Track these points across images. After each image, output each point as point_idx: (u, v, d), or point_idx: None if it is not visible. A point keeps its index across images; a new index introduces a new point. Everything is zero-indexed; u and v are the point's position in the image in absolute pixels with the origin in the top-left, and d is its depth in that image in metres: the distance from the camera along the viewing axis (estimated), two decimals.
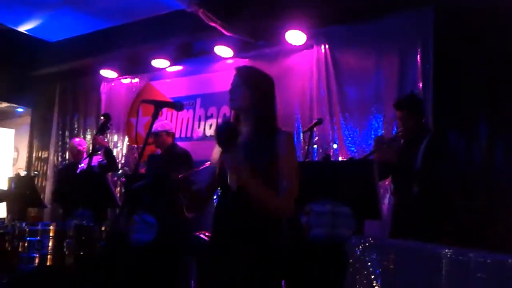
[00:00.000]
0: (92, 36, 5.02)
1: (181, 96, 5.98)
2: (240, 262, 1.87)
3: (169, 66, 6.06)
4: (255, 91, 2.01)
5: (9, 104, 7.18)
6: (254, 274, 1.86)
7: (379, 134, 4.29)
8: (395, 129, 4.15)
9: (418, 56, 4.22)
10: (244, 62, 5.50)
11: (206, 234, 3.25)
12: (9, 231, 2.54)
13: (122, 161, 6.25)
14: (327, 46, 4.84)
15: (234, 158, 1.82)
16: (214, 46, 5.40)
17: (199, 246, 2.84)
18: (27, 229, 2.56)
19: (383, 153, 3.35)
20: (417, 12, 4.25)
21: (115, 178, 5.71)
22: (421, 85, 4.16)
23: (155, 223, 3.33)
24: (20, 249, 2.53)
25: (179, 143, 5.40)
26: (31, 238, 2.57)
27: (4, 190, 4.17)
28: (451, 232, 3.35)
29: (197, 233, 3.19)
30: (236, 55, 5.51)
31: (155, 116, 2.39)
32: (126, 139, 6.47)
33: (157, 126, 4.92)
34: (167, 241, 3.40)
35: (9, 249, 2.52)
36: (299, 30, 4.80)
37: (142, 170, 5.06)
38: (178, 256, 3.44)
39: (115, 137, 6.48)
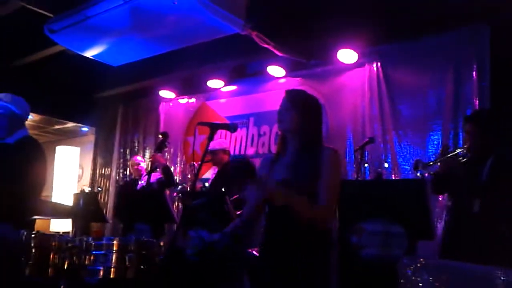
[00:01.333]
0: (152, 60, 5.28)
1: (235, 115, 6.16)
2: (291, 275, 1.95)
3: (223, 86, 6.27)
4: (303, 114, 2.10)
5: (75, 124, 7.64)
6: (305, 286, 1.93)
7: (445, 144, 4.08)
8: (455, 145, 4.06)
9: (474, 72, 4.15)
10: (296, 81, 5.61)
11: (257, 250, 3.32)
12: (77, 245, 2.74)
13: (180, 178, 6.47)
14: (379, 64, 4.86)
15: (263, 187, 1.94)
16: (267, 66, 5.55)
17: (251, 261, 2.92)
18: (93, 243, 2.75)
19: (447, 163, 3.17)
20: (472, 28, 4.19)
21: (174, 194, 5.92)
22: (477, 102, 4.08)
23: (209, 238, 3.43)
24: (86, 262, 2.71)
25: None
26: (96, 252, 2.75)
27: (70, 206, 4.45)
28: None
29: (250, 250, 3.27)
30: (288, 74, 5.62)
31: (210, 138, 2.53)
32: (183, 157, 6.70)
33: (214, 144, 5.11)
34: (221, 257, 3.50)
35: (76, 262, 2.71)
36: (350, 49, 4.85)
37: (199, 186, 5.25)
38: (231, 271, 3.53)
39: (173, 155, 6.73)
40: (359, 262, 2.79)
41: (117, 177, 7.21)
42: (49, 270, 2.69)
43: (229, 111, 6.28)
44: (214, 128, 2.51)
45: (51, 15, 4.58)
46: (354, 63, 4.98)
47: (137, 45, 4.81)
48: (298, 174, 2.02)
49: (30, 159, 2.83)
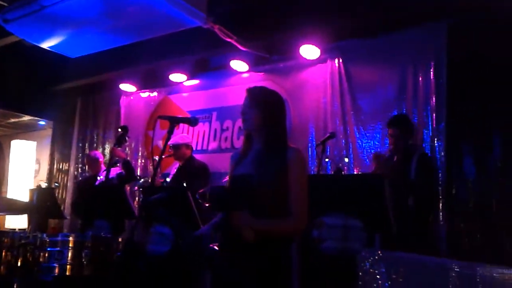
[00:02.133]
0: (112, 52, 5.15)
1: (198, 109, 6.11)
2: (249, 275, 1.94)
3: (186, 80, 6.19)
4: (266, 112, 2.08)
5: (31, 117, 7.38)
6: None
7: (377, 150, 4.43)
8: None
9: (432, 70, 4.25)
10: (259, 76, 5.61)
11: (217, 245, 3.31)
12: (31, 242, 2.64)
13: (141, 173, 6.36)
14: (340, 60, 4.91)
15: (239, 219, 1.91)
16: (230, 61, 5.51)
17: (213, 257, 2.90)
18: (47, 240, 2.66)
19: (380, 168, 3.68)
20: (431, 27, 4.29)
21: (136, 189, 5.82)
22: (434, 98, 4.19)
23: (170, 234, 3.39)
24: (40, 259, 2.62)
25: (195, 155, 5.51)
26: (51, 249, 2.66)
27: (26, 202, 4.30)
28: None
29: (211, 245, 3.25)
30: (251, 69, 5.61)
31: (170, 132, 2.49)
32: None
33: (177, 139, 5.06)
34: (182, 252, 3.47)
35: (30, 259, 2.62)
36: (313, 44, 4.88)
37: (160, 181, 5.18)
38: (192, 267, 3.50)
39: (134, 149, 6.61)
40: (319, 256, 2.82)
41: (76, 172, 7.02)
42: (1, 268, 2.59)
43: (191, 105, 6.22)
44: (174, 122, 2.47)
45: (5, 4, 4.39)
46: (317, 58, 5.02)
47: (96, 36, 4.67)
48: (261, 170, 2.00)
49: None
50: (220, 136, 5.92)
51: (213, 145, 5.98)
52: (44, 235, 2.69)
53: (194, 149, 5.96)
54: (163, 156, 5.24)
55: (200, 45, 5.43)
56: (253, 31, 5.00)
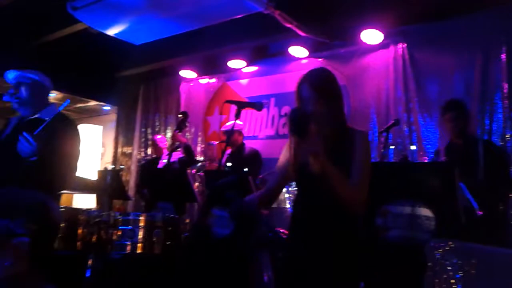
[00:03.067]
0: (174, 39, 5.27)
1: (256, 96, 6.15)
2: (319, 260, 1.94)
3: (245, 67, 6.24)
4: (328, 100, 2.02)
5: (97, 103, 7.70)
6: (333, 274, 1.92)
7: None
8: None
9: (503, 55, 4.05)
10: (318, 62, 5.56)
11: (281, 231, 3.34)
12: (105, 220, 2.79)
13: (201, 157, 6.51)
14: (404, 45, 4.77)
15: (314, 143, 1.84)
16: (289, 47, 5.50)
17: (276, 241, 2.94)
18: (120, 219, 2.80)
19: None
20: (502, 10, 4.08)
21: (193, 171, 5.97)
22: (506, 85, 4.00)
23: (229, 217, 3.46)
24: (114, 237, 2.76)
25: (253, 141, 5.58)
26: (123, 227, 2.80)
27: (94, 181, 4.51)
28: None
29: (277, 230, 3.29)
30: (311, 55, 5.57)
31: (237, 115, 2.54)
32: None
33: (230, 125, 5.13)
34: (240, 235, 3.53)
35: (104, 237, 2.76)
36: (375, 29, 4.77)
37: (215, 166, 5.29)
38: (253, 250, 3.56)
39: (194, 135, 6.76)
40: (383, 245, 2.79)
41: (138, 156, 7.29)
42: (78, 244, 2.75)
43: (250, 92, 6.27)
44: (241, 106, 2.52)
45: None
46: (379, 44, 4.91)
47: (158, 23, 4.79)
48: (332, 161, 1.92)
49: (67, 135, 2.84)
50: (278, 122, 5.94)
51: (270, 131, 6.01)
52: (117, 214, 2.83)
53: (252, 135, 6.05)
54: (217, 142, 5.45)
55: (259, 32, 5.44)
56: (313, 16, 4.94)
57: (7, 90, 2.96)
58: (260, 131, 6.04)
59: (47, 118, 2.88)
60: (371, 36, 4.83)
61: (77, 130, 2.99)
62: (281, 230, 3.37)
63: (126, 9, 4.55)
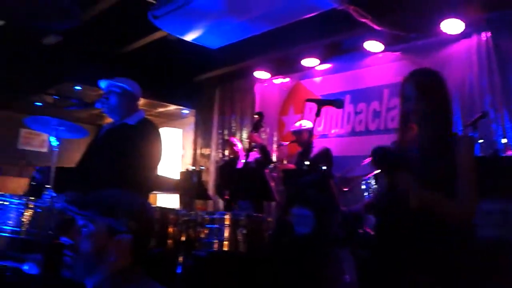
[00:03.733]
0: (247, 41, 5.38)
1: (330, 93, 6.10)
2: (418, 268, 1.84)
3: (318, 65, 6.22)
4: (428, 97, 1.94)
5: (176, 107, 8.04)
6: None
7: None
8: None
9: None
10: (395, 56, 5.42)
11: (367, 230, 3.30)
12: (193, 219, 2.92)
13: (277, 157, 6.58)
14: (488, 34, 4.52)
15: (405, 180, 1.79)
16: (364, 42, 5.40)
17: (360, 241, 2.91)
18: (207, 218, 2.92)
19: None
20: None
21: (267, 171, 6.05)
22: None
23: (312, 216, 3.47)
24: (201, 235, 2.89)
25: (327, 140, 5.54)
26: (210, 226, 2.91)
27: (177, 181, 4.71)
28: None
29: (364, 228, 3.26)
30: (386, 49, 5.44)
31: (318, 114, 2.55)
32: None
33: (297, 125, 5.14)
34: (323, 235, 3.53)
35: (192, 235, 2.89)
36: (456, 18, 4.56)
37: (291, 166, 5.31)
38: (333, 249, 3.55)
39: (269, 135, 6.84)
40: (473, 244, 2.67)
41: (216, 157, 7.50)
42: (169, 242, 2.90)
43: (324, 90, 6.23)
44: (321, 104, 2.54)
45: (154, 1, 4.82)
46: (460, 33, 4.68)
47: (234, 27, 4.91)
48: (431, 164, 1.86)
49: (150, 139, 3.02)
50: (354, 120, 5.86)
51: (346, 128, 5.94)
52: (204, 213, 2.95)
53: (327, 133, 6.02)
54: (287, 142, 5.47)
55: (332, 28, 5.40)
56: (389, 9, 4.82)
57: (100, 98, 3.19)
58: (335, 128, 5.98)
59: (133, 124, 3.10)
60: (452, 25, 4.62)
61: (159, 133, 3.17)
62: (363, 229, 3.33)
63: (204, 14, 4.71)
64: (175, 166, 7.81)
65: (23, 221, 2.58)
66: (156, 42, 6.13)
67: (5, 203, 2.60)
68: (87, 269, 1.44)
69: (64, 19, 2.95)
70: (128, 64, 6.47)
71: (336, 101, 2.53)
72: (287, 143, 5.43)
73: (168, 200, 7.35)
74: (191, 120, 8.22)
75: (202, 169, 6.93)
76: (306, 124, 5.06)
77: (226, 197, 5.76)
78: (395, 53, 5.42)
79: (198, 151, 7.92)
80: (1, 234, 2.58)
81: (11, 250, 2.31)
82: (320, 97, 6.16)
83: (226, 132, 7.43)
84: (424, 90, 1.94)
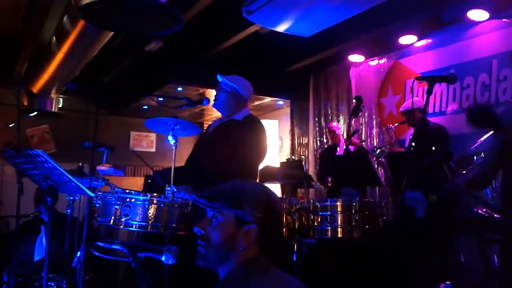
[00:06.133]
0: (340, 25, 5.27)
1: (432, 70, 5.79)
2: None
3: (416, 41, 5.93)
4: None
5: (272, 99, 8.15)
6: None
7: None
8: None
9: None
10: (502, 23, 5.00)
11: (484, 210, 3.11)
12: (305, 207, 2.96)
13: (377, 142, 6.41)
14: None
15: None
16: (467, 12, 5.04)
17: (483, 222, 2.75)
18: (318, 205, 2.94)
19: None
20: None
21: (373, 159, 5.92)
22: None
23: (423, 199, 3.34)
24: (315, 223, 2.91)
25: (432, 119, 5.28)
26: (322, 213, 2.93)
27: (280, 169, 4.77)
28: None
29: (475, 209, 3.08)
30: (492, 16, 5.03)
31: (429, 92, 2.44)
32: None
33: (408, 104, 4.93)
34: (445, 218, 3.38)
35: (305, 223, 2.93)
36: None
37: (400, 149, 5.13)
38: (455, 233, 3.38)
39: (368, 118, 6.69)
40: None
41: (315, 145, 7.48)
42: (284, 230, 2.96)
43: (424, 66, 5.93)
44: (432, 81, 2.42)
45: None
46: None
47: (326, 12, 4.83)
48: None
49: (256, 133, 3.15)
50: (460, 96, 5.51)
51: (452, 106, 5.61)
52: (315, 201, 2.97)
53: (431, 112, 5.72)
54: (396, 124, 5.27)
55: (429, 2, 5.12)
56: None
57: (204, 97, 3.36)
58: (447, 106, 5.67)
59: (239, 119, 3.24)
60: None
61: (264, 128, 3.30)
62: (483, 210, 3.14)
63: (296, 3, 4.70)
64: (274, 158, 7.92)
65: (149, 216, 2.79)
66: (249, 37, 6.24)
67: (132, 200, 2.82)
68: (218, 258, 1.51)
69: (170, 26, 3.13)
70: (224, 61, 6.69)
71: (449, 76, 2.40)
72: (396, 125, 5.23)
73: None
74: (287, 110, 8.28)
75: (302, 158, 6.97)
76: (417, 102, 4.85)
77: (329, 184, 5.77)
78: (502, 20, 4.99)
79: (296, 141, 7.96)
80: (130, 229, 2.82)
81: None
82: (420, 75, 5.89)
83: (323, 119, 7.38)
84: None
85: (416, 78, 2.46)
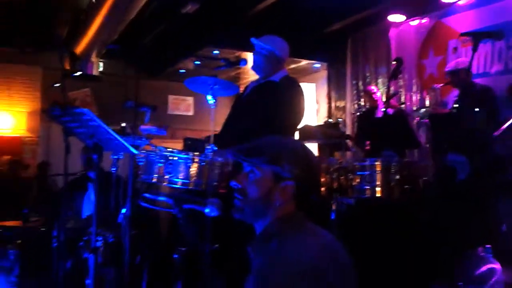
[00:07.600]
0: None
1: (477, 29, 5.56)
2: None
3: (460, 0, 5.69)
4: None
5: (307, 61, 8.04)
6: None
7: None
8: None
9: None
10: None
11: None
12: (344, 166, 2.97)
13: (417, 104, 6.28)
14: None
15: None
16: None
17: None
18: (357, 165, 2.94)
19: None
20: None
21: (417, 119, 5.80)
22: None
23: (465, 161, 3.29)
24: (353, 183, 2.93)
25: (477, 80, 5.11)
26: (361, 173, 2.94)
27: (317, 127, 4.75)
28: None
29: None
30: None
31: (475, 49, 2.37)
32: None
33: (452, 64, 4.77)
34: (479, 180, 3.33)
35: (344, 182, 2.95)
36: None
37: (442, 110, 5.00)
38: (493, 196, 3.33)
39: (408, 81, 6.53)
40: None
41: (352, 109, 7.40)
42: (322, 189, 2.99)
43: (469, 26, 5.68)
44: (478, 38, 2.34)
45: None
46: None
47: None
48: None
49: (294, 93, 3.17)
50: (506, 56, 5.30)
51: (497, 66, 5.40)
52: (354, 160, 2.97)
53: (475, 73, 5.53)
54: (441, 85, 5.12)
55: None
56: None
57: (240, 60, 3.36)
58: (491, 66, 5.46)
59: (277, 80, 3.24)
60: None
61: (301, 88, 3.30)
62: None
63: None
64: (311, 121, 7.89)
65: (190, 174, 2.87)
66: (277, 3, 6.14)
67: (174, 158, 2.90)
68: (255, 212, 1.53)
69: None
70: (260, 23, 6.61)
71: (496, 32, 2.33)
72: (441, 85, 5.08)
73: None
74: (323, 73, 8.18)
75: (340, 121, 6.91)
76: (463, 62, 4.69)
77: (367, 148, 5.72)
78: None
79: (333, 104, 7.89)
80: (174, 185, 2.91)
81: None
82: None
83: (360, 82, 7.26)
84: None
85: (462, 34, 2.38)
